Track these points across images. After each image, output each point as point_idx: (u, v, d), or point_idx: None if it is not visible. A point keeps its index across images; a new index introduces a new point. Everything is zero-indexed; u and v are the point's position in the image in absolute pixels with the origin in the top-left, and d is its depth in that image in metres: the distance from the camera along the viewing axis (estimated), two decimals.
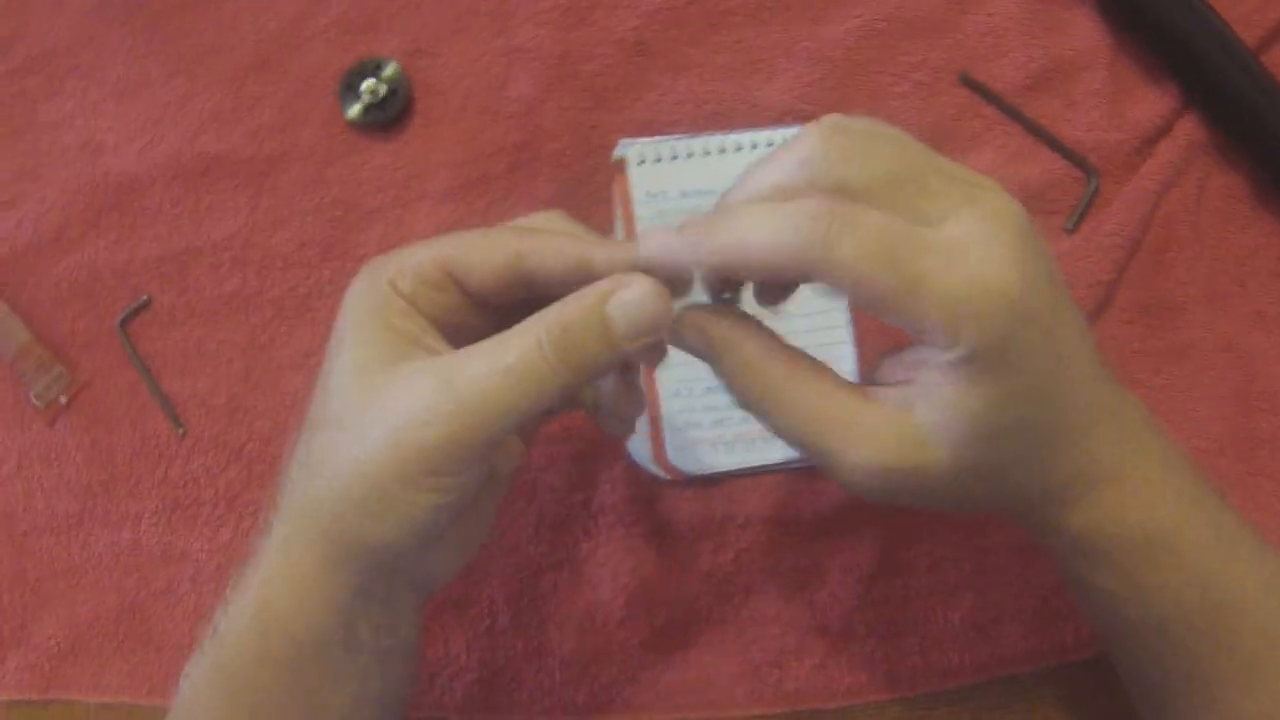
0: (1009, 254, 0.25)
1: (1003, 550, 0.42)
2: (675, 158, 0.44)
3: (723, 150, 0.44)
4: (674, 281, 0.28)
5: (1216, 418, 0.44)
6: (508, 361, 0.26)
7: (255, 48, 0.48)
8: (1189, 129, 0.46)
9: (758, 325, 0.29)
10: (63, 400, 0.45)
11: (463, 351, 0.27)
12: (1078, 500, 0.28)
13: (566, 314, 0.27)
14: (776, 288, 0.30)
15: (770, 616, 0.42)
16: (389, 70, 0.46)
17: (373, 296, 0.28)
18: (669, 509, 0.43)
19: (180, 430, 0.44)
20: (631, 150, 0.44)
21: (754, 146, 0.44)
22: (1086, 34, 0.47)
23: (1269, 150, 0.45)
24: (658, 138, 0.44)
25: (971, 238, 0.25)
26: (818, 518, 0.42)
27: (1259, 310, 0.45)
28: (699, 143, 0.44)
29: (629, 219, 0.44)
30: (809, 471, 0.43)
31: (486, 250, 0.28)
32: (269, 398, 0.44)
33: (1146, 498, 0.28)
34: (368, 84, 0.45)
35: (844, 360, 0.42)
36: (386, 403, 0.27)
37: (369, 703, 0.30)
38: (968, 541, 0.43)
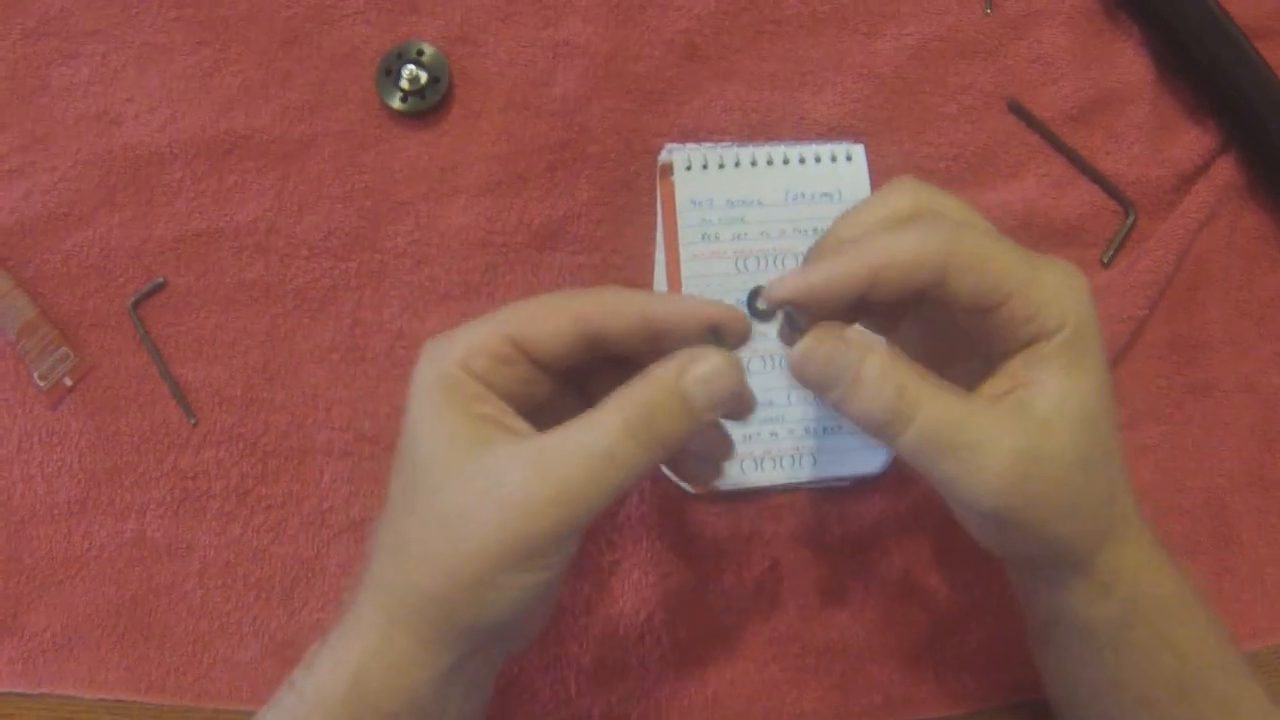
0: (1074, 267, 0.30)
1: None
2: (722, 166, 0.42)
3: (770, 162, 0.42)
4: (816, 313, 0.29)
5: (1234, 456, 0.44)
6: (601, 447, 0.27)
7: (289, 20, 0.45)
8: (1226, 169, 0.45)
9: (881, 341, 0.29)
10: (68, 382, 0.42)
11: (552, 436, 0.27)
12: (1136, 539, 0.31)
13: (647, 397, 0.27)
14: (888, 314, 0.33)
15: (791, 636, 0.41)
16: (431, 57, 0.44)
17: (445, 381, 0.28)
18: (696, 524, 0.42)
19: (192, 419, 0.42)
20: (678, 156, 0.42)
21: (801, 160, 0.43)
22: (1133, 68, 0.46)
23: None
24: (705, 144, 0.43)
25: (1050, 259, 0.30)
26: (844, 539, 0.42)
27: None
28: (746, 152, 0.42)
29: (671, 226, 0.42)
30: (838, 492, 0.42)
31: (548, 318, 0.29)
32: (288, 391, 0.42)
33: (1165, 556, 0.31)
34: (409, 70, 0.43)
35: None
36: (483, 491, 0.27)
37: None
38: (988, 566, 0.42)
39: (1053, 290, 0.28)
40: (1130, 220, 0.45)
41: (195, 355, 0.43)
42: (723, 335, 0.29)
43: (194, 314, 0.43)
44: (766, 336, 0.42)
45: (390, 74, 0.43)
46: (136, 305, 0.43)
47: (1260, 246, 0.46)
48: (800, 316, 0.29)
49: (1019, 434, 0.28)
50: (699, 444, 0.32)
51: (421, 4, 0.45)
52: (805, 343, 0.28)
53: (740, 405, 0.30)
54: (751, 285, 0.42)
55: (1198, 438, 0.44)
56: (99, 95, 0.45)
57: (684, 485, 0.41)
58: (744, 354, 0.41)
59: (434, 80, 0.43)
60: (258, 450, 0.42)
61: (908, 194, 0.30)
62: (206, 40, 0.45)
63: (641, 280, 0.43)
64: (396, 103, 0.43)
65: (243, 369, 0.42)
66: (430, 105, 0.43)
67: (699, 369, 0.28)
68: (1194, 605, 0.32)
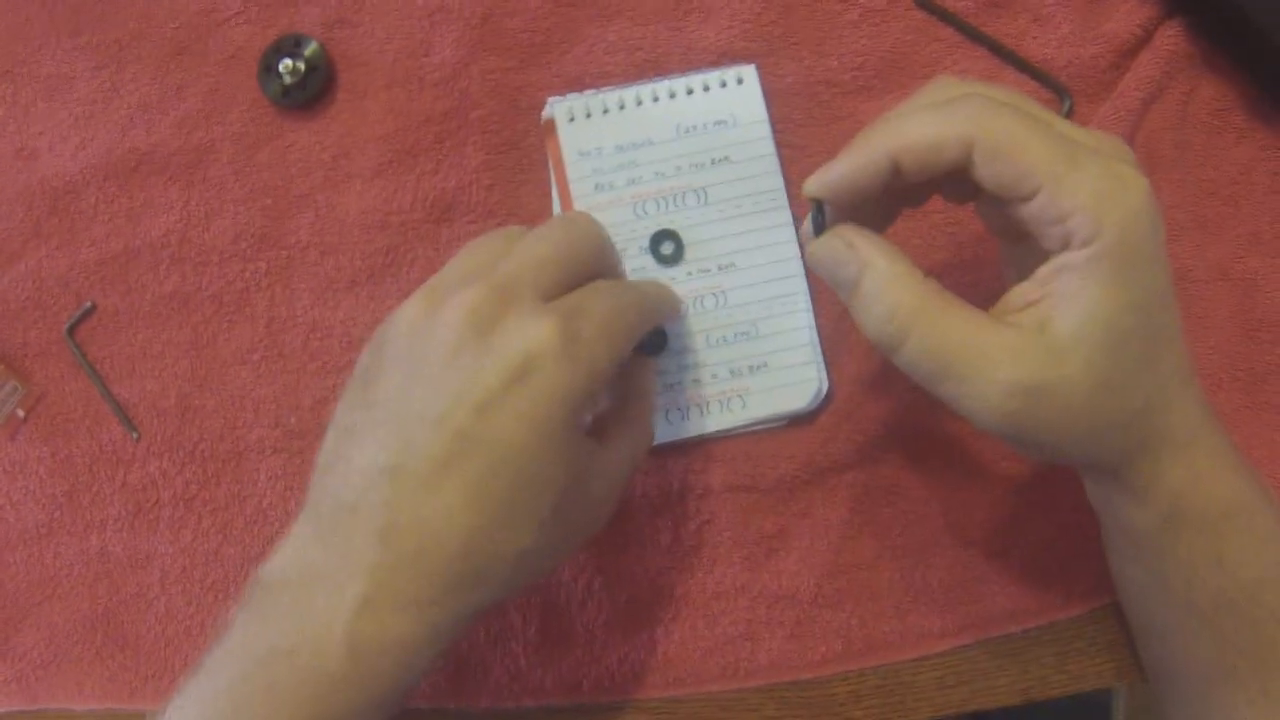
0: (1136, 169, 0.26)
1: (980, 507, 0.38)
2: (607, 111, 0.39)
3: (655, 98, 0.39)
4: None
5: (1214, 350, 0.39)
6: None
7: (175, 32, 0.44)
8: (1171, 38, 0.40)
9: (898, 249, 0.28)
10: (20, 414, 0.43)
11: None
12: (1179, 452, 0.28)
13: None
14: (955, 190, 0.30)
15: (738, 588, 0.39)
16: (308, 48, 0.42)
17: (564, 437, 0.29)
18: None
19: (135, 435, 0.42)
20: (559, 108, 0.39)
21: (689, 92, 0.39)
22: None
23: (1261, 57, 0.39)
24: (587, 92, 0.40)
25: (1111, 151, 0.27)
26: (780, 482, 0.39)
27: (1255, 232, 0.40)
28: (631, 93, 0.39)
29: (563, 181, 0.39)
30: (766, 435, 0.39)
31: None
32: (217, 396, 0.42)
33: (1226, 466, 0.29)
34: (285, 63, 0.41)
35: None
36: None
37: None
38: (940, 497, 0.39)
39: (1089, 194, 0.25)
40: (1066, 106, 0.40)
41: (129, 372, 0.42)
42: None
43: (123, 332, 0.43)
44: (675, 280, 0.39)
45: (270, 70, 0.42)
46: (71, 331, 0.43)
47: (1221, 119, 0.40)
48: (826, 213, 0.28)
49: (1021, 365, 0.26)
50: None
51: None
52: (815, 243, 0.28)
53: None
54: (653, 230, 0.39)
55: None
56: (14, 133, 0.44)
57: None
58: None
59: (312, 69, 0.42)
60: (197, 457, 0.41)
61: (945, 86, 0.28)
62: (103, 64, 0.44)
63: None
64: (280, 97, 0.42)
65: (174, 380, 0.42)
66: (313, 94, 0.42)
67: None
68: (1255, 516, 0.29)
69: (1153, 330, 0.26)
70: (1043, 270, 0.26)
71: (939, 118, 0.26)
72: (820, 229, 0.29)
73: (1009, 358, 0.26)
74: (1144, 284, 0.26)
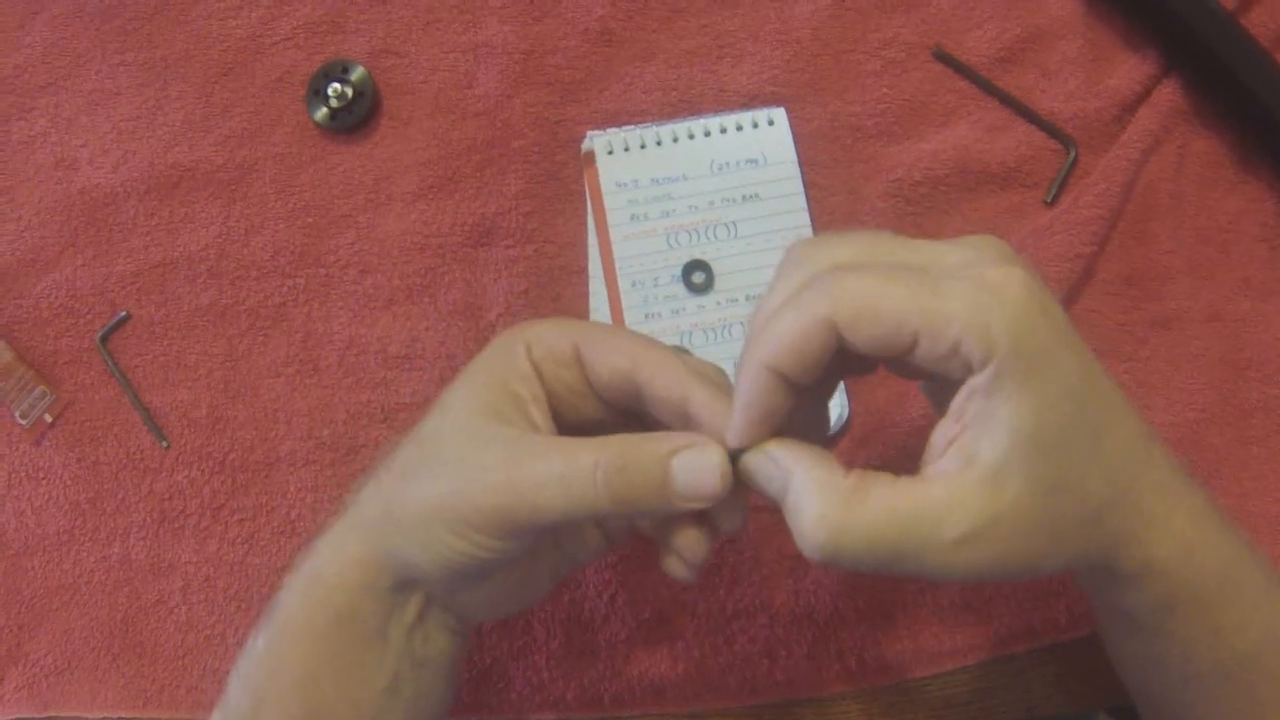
0: (1013, 265, 0.25)
1: None
2: (644, 146, 0.41)
3: (691, 136, 0.41)
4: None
5: (1205, 388, 0.41)
6: (563, 473, 0.26)
7: (223, 54, 0.45)
8: (1169, 94, 0.43)
9: (820, 455, 0.26)
10: (48, 419, 0.43)
11: (539, 441, 0.28)
12: (1163, 527, 0.26)
13: (629, 454, 0.27)
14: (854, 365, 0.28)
15: (757, 606, 0.40)
16: (355, 73, 0.43)
17: (503, 355, 0.29)
18: None
19: (164, 443, 0.42)
20: (599, 141, 0.41)
21: (722, 131, 0.41)
22: (1061, 2, 0.44)
23: (1251, 114, 0.41)
24: (625, 127, 0.41)
25: (972, 259, 0.25)
26: None
27: (1245, 277, 0.42)
28: (666, 130, 0.41)
29: (600, 211, 0.41)
30: None
31: (611, 347, 0.29)
32: (249, 407, 0.42)
33: (1211, 528, 0.27)
34: (334, 88, 0.43)
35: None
36: (467, 455, 0.28)
37: (402, 704, 0.30)
38: None
39: (964, 316, 0.23)
40: (1071, 156, 0.42)
41: (162, 382, 0.43)
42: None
43: (157, 342, 0.43)
44: (704, 309, 0.41)
45: (318, 94, 0.43)
46: (104, 339, 0.43)
47: (1214, 170, 0.43)
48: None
49: (962, 515, 0.24)
50: (676, 536, 0.30)
51: (346, 23, 0.45)
52: (743, 461, 0.27)
53: (729, 514, 0.29)
54: (684, 260, 0.40)
55: (1165, 372, 0.41)
56: (55, 144, 0.45)
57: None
58: (687, 326, 0.40)
59: (359, 95, 0.43)
60: (226, 467, 0.42)
61: (798, 263, 0.26)
62: (149, 81, 0.45)
63: (576, 266, 0.42)
64: (326, 120, 0.43)
65: (206, 390, 0.42)
66: (358, 119, 0.43)
67: (692, 455, 0.26)
68: (1245, 581, 0.28)
69: (1087, 415, 0.25)
70: (955, 402, 0.25)
71: (794, 313, 0.25)
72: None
73: (948, 514, 0.24)
74: (1059, 376, 0.24)
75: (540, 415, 0.29)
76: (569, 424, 0.30)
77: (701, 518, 0.29)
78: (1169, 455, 0.27)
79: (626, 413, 0.30)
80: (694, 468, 0.26)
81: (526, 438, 0.28)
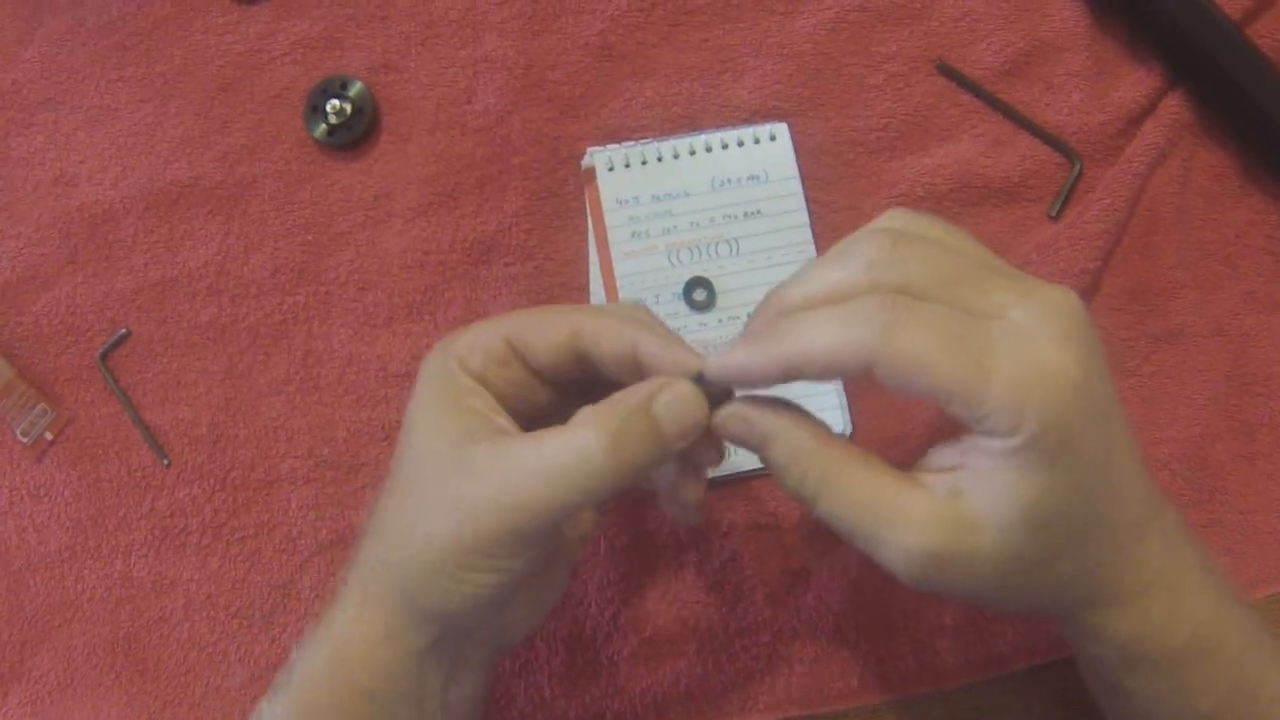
0: (1071, 342, 0.24)
1: None
2: (644, 162, 0.41)
3: (692, 151, 0.41)
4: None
5: (1210, 403, 0.41)
6: (560, 462, 0.26)
7: (221, 70, 0.45)
8: (1174, 107, 0.42)
9: (805, 414, 0.27)
10: (48, 436, 0.43)
11: (524, 442, 0.27)
12: (1128, 605, 0.26)
13: (618, 416, 0.26)
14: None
15: (760, 624, 0.39)
16: (354, 89, 0.43)
17: (443, 375, 0.28)
18: (652, 520, 0.40)
19: (165, 461, 0.42)
20: (600, 157, 0.41)
21: (724, 146, 0.41)
22: (1065, 15, 0.43)
23: (1256, 126, 0.41)
24: (625, 143, 0.41)
25: (1034, 326, 0.24)
26: (801, 522, 0.40)
27: (1250, 291, 0.42)
28: (668, 146, 0.41)
29: (600, 227, 0.41)
30: None
31: (546, 327, 0.28)
32: (249, 425, 0.42)
33: (1191, 605, 0.27)
34: (333, 104, 0.42)
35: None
36: (452, 484, 0.27)
37: None
38: None
39: (1004, 395, 0.23)
40: (1076, 170, 0.42)
41: (162, 399, 0.43)
42: (706, 387, 0.27)
43: (157, 360, 0.43)
44: (706, 326, 0.40)
45: (317, 110, 0.43)
46: (104, 357, 0.43)
47: (1219, 184, 0.43)
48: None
49: (929, 533, 0.25)
50: (671, 486, 0.31)
51: (345, 38, 0.45)
52: (716, 419, 0.27)
53: (708, 451, 0.29)
54: (686, 277, 0.40)
55: (1169, 388, 0.41)
56: (54, 161, 0.45)
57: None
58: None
59: (358, 111, 0.43)
60: (227, 485, 0.42)
61: (873, 263, 0.25)
62: (147, 97, 0.45)
63: (577, 283, 0.41)
64: (325, 136, 0.43)
65: (207, 408, 0.42)
66: (357, 135, 0.43)
67: (669, 394, 0.27)
68: (1215, 649, 0.27)
69: (1089, 504, 0.25)
70: (965, 440, 0.25)
71: (838, 328, 0.24)
72: (723, 395, 0.28)
73: (918, 524, 0.25)
74: (1077, 464, 0.24)
75: (504, 419, 0.28)
76: (522, 418, 0.29)
77: (686, 464, 0.30)
78: (1170, 530, 0.27)
79: (571, 388, 0.30)
80: (674, 403, 0.26)
81: (508, 444, 0.27)
